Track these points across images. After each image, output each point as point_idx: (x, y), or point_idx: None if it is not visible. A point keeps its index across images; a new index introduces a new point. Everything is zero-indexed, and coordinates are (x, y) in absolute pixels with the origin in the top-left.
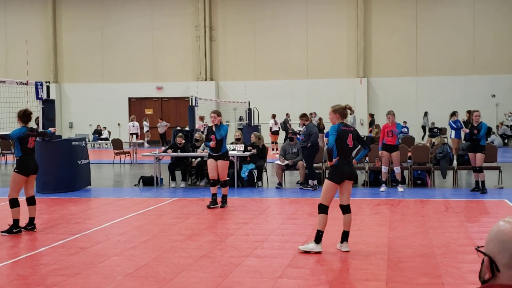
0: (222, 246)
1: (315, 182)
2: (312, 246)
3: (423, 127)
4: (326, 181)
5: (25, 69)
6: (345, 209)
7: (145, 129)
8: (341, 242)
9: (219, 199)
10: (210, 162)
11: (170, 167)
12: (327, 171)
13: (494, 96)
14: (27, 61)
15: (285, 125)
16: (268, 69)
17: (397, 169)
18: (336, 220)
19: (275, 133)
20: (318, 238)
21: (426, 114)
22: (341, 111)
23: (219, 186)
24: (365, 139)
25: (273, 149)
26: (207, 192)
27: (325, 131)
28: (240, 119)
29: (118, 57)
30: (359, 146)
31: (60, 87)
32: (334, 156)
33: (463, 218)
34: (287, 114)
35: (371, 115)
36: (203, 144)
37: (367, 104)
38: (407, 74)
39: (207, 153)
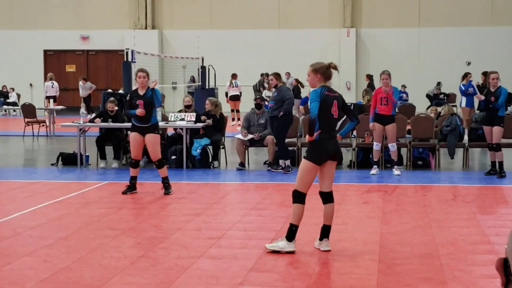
0: (166, 244)
1: (288, 162)
2: (283, 244)
3: (430, 96)
4: (303, 161)
5: None
6: (327, 197)
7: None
8: (321, 239)
9: (146, 183)
10: (134, 136)
11: (98, 142)
12: (304, 149)
13: None
14: None
15: (259, 89)
16: (228, 16)
17: (392, 146)
18: (314, 211)
19: (233, 98)
20: (291, 234)
21: (439, 84)
22: (324, 71)
23: (142, 167)
24: (352, 107)
25: (233, 119)
26: (148, 174)
27: (302, 96)
28: (191, 80)
29: None
30: (344, 116)
31: None
32: (316, 129)
33: (475, 209)
34: (263, 75)
35: (369, 77)
36: None
37: (355, 62)
38: (407, 24)
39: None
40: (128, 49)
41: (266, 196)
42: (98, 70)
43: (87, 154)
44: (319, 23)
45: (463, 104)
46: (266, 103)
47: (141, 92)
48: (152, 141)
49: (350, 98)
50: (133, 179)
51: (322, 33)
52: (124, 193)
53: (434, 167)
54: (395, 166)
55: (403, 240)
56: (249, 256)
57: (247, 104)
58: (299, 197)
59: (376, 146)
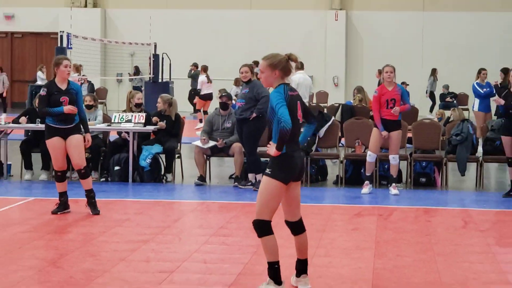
0: (106, 279)
1: (260, 177)
2: None
3: (431, 94)
4: (266, 180)
5: None
6: (298, 227)
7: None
8: (298, 275)
9: (82, 200)
10: (56, 142)
11: (23, 147)
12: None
13: None
14: None
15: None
16: None
17: (394, 159)
18: (290, 240)
19: (207, 98)
20: (275, 275)
21: (434, 72)
22: (284, 66)
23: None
24: (340, 108)
25: (200, 121)
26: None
27: None
28: (136, 71)
29: None
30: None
31: None
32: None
33: (490, 240)
34: (194, 65)
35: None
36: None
37: (344, 52)
38: (408, 6)
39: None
40: (63, 31)
41: (232, 219)
42: (25, 57)
43: (9, 162)
44: (301, 3)
45: (476, 108)
46: (234, 102)
47: (62, 86)
48: (77, 144)
49: (338, 97)
50: (62, 195)
51: (305, 15)
52: (54, 213)
53: (440, 186)
54: (393, 184)
55: (401, 278)
56: None
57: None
58: (265, 227)
59: (370, 157)
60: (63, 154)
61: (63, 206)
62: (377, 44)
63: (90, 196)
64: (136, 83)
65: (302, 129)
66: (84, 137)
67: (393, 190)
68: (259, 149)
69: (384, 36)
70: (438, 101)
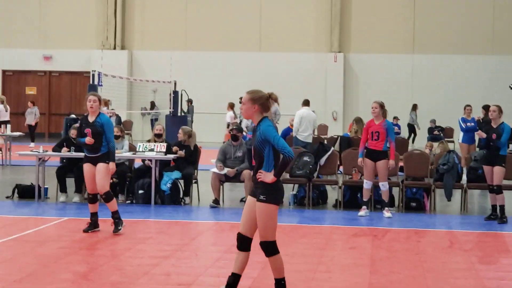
0: None
1: None
2: None
3: (411, 126)
4: (264, 206)
5: None
6: (249, 243)
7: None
8: None
9: (109, 220)
10: (87, 168)
11: (58, 173)
12: (259, 189)
13: None
14: None
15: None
16: (204, 36)
17: (383, 186)
18: (296, 257)
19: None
20: None
21: (414, 107)
22: (263, 102)
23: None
24: (338, 140)
25: None
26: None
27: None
28: (152, 106)
29: None
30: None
31: None
32: (271, 168)
33: (474, 258)
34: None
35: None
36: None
37: (342, 89)
38: (400, 50)
39: (121, 154)
40: (95, 71)
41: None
42: (61, 93)
43: (46, 186)
44: (304, 46)
45: (461, 140)
46: (245, 133)
47: (90, 119)
48: (100, 170)
49: (336, 129)
50: (93, 215)
51: (307, 57)
52: (85, 231)
53: (429, 210)
54: (386, 208)
55: None
56: None
57: (219, 135)
58: (272, 248)
59: (367, 184)
60: (92, 178)
61: (93, 225)
62: (371, 83)
63: (114, 217)
64: (151, 116)
65: None
66: (106, 164)
67: (387, 213)
68: None
69: (378, 76)
70: (426, 134)
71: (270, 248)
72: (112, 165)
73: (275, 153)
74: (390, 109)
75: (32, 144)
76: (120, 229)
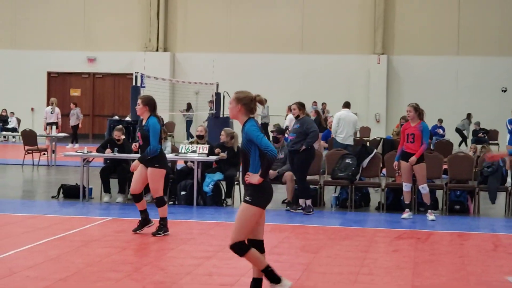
0: None
1: (309, 202)
2: None
3: (460, 131)
4: (246, 207)
5: None
6: (262, 246)
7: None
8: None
9: (155, 221)
10: (139, 167)
11: (102, 173)
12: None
13: None
14: None
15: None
16: (246, 38)
17: (423, 189)
18: (338, 259)
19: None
20: (273, 277)
21: (469, 116)
22: (247, 103)
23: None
24: (382, 143)
25: None
26: (156, 210)
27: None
28: (188, 107)
29: (34, 14)
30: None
31: None
32: (258, 169)
33: None
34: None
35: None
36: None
37: (385, 92)
38: (444, 51)
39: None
40: (138, 72)
41: (284, 239)
42: (105, 94)
43: (90, 186)
44: (347, 48)
45: (508, 142)
46: (286, 135)
47: (143, 122)
48: (151, 175)
49: (379, 132)
50: (142, 213)
51: (350, 59)
52: (134, 231)
53: (473, 213)
54: (429, 211)
55: None
56: None
57: None
58: (243, 247)
59: (406, 187)
60: (139, 178)
61: (143, 222)
62: (415, 84)
63: (160, 223)
64: (186, 117)
65: None
66: (155, 169)
67: (430, 216)
68: (309, 177)
69: (422, 77)
70: (470, 136)
71: (242, 248)
72: (135, 163)
73: (261, 154)
74: (435, 111)
75: (69, 145)
76: (161, 234)
